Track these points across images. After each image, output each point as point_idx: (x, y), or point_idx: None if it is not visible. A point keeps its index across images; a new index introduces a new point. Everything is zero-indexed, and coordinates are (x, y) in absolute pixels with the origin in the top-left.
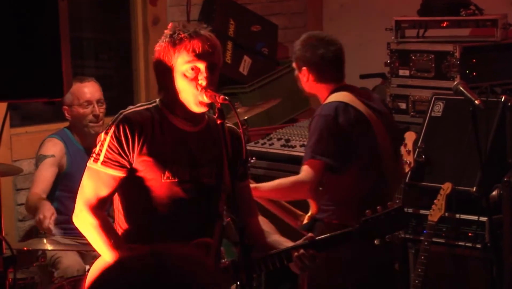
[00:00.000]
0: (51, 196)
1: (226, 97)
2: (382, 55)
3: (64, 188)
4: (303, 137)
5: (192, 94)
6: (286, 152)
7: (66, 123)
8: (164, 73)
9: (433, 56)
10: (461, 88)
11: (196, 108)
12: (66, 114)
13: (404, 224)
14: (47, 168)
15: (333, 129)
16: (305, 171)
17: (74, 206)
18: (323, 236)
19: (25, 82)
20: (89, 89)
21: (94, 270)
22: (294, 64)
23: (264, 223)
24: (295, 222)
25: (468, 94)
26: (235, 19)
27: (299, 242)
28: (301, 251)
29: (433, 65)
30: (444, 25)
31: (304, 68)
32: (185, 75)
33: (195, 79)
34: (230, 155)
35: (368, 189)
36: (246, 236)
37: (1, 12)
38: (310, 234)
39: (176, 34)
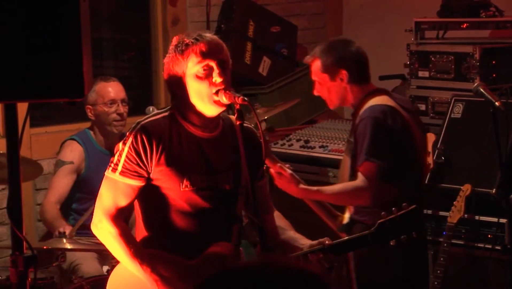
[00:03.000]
0: (72, 198)
1: (245, 98)
2: (401, 56)
3: (84, 190)
4: (322, 138)
5: (206, 95)
6: (305, 153)
7: (87, 124)
8: (176, 82)
9: (452, 57)
10: (481, 90)
11: (212, 109)
12: (89, 114)
13: (420, 225)
14: (64, 175)
15: (384, 132)
16: (362, 177)
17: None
18: (340, 240)
19: (45, 82)
20: (114, 89)
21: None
22: (323, 74)
23: (279, 218)
24: (334, 222)
25: (489, 96)
26: (254, 20)
27: (315, 244)
28: (320, 255)
29: (452, 66)
30: (464, 26)
31: (341, 70)
32: (197, 76)
33: (208, 77)
34: (248, 157)
35: (412, 194)
36: (265, 237)
37: (22, 12)
38: (326, 238)
39: (181, 42)
